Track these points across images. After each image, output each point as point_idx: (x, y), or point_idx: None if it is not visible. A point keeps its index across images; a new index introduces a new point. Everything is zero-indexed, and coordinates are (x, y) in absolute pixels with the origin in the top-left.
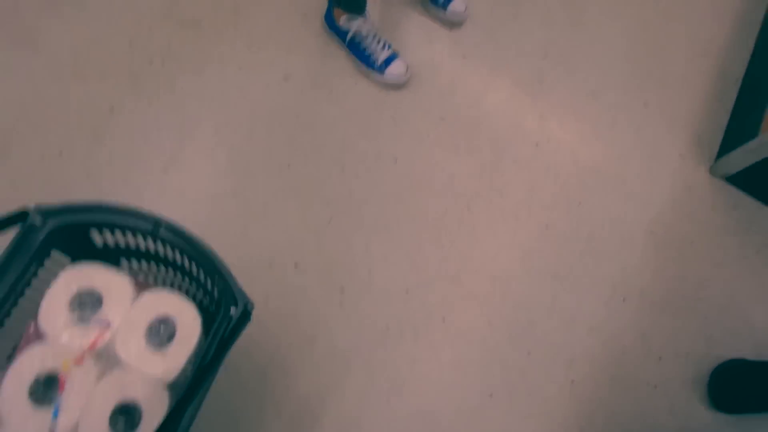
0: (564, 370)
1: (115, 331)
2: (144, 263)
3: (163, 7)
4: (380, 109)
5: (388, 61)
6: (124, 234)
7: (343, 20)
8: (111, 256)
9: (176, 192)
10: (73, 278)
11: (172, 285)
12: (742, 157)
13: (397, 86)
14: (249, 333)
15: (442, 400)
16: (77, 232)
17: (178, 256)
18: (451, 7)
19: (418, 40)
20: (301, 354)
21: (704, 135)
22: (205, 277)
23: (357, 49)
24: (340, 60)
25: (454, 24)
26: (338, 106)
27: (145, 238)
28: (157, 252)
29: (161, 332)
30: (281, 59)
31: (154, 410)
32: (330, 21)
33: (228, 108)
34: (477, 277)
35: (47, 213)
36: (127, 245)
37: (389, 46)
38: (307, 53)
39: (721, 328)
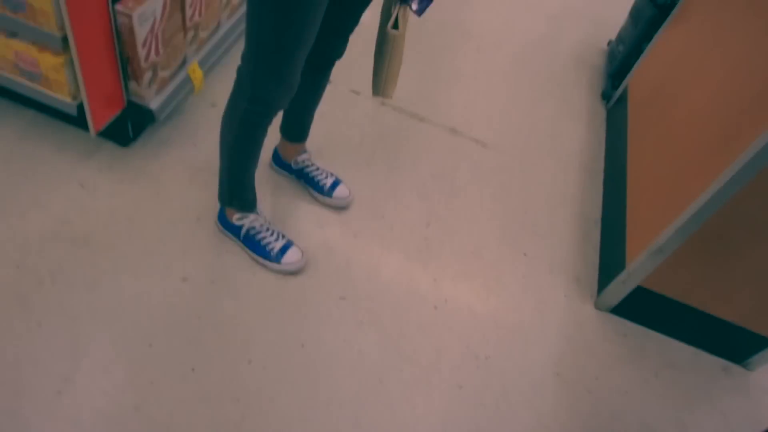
0: None
1: None
2: None
3: (53, 227)
4: (281, 297)
5: (283, 250)
6: None
7: (235, 218)
8: None
9: (71, 417)
10: None
11: None
12: (617, 289)
13: (295, 273)
14: None
15: None
16: None
17: None
18: (336, 192)
19: (309, 226)
20: None
21: (581, 274)
22: None
23: (252, 243)
24: (237, 255)
25: (340, 208)
26: (239, 300)
27: None
28: None
29: None
30: (178, 262)
31: None
32: (223, 220)
33: (125, 319)
34: None
35: None
36: None
37: (283, 236)
38: (203, 252)
39: None
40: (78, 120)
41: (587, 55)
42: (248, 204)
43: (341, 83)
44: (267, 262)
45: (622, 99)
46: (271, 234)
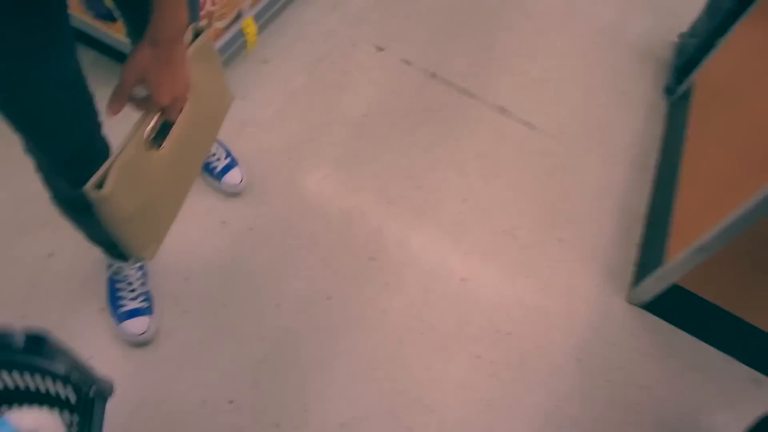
0: None
1: None
2: None
3: None
4: (313, 252)
5: (131, 314)
6: None
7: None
8: None
9: (111, 329)
10: None
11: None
12: (652, 285)
13: (135, 344)
14: None
15: None
16: None
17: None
18: (226, 178)
19: (345, 191)
20: None
21: (616, 267)
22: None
23: (111, 289)
24: (273, 208)
25: (232, 195)
26: (273, 250)
27: None
28: None
29: None
30: (219, 208)
31: None
32: None
33: (164, 252)
34: (412, 410)
35: None
36: None
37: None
38: (243, 202)
39: None
40: None
41: (654, 47)
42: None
43: (393, 53)
44: (110, 316)
45: (686, 95)
46: (132, 291)
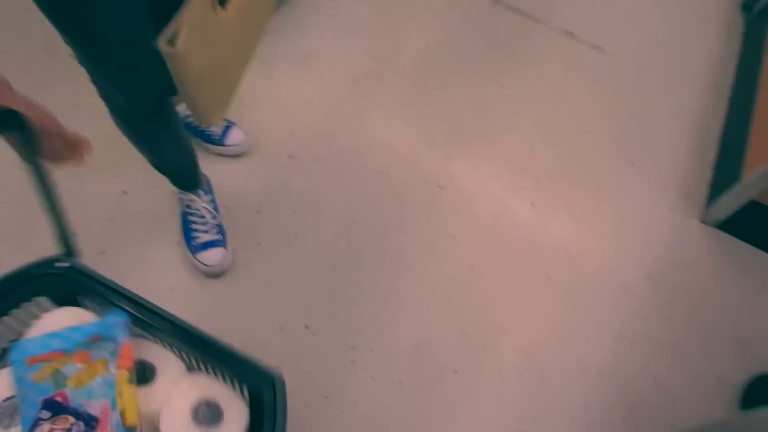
0: (579, 415)
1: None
2: None
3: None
4: (383, 184)
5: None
6: None
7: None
8: None
9: (186, 262)
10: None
11: None
12: (728, 202)
13: (212, 275)
14: None
15: None
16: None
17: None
18: (229, 139)
19: (405, 125)
20: (315, 413)
21: (691, 188)
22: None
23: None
24: (341, 142)
25: (237, 155)
26: (342, 182)
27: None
28: None
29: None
30: (287, 142)
31: None
32: None
33: (236, 187)
34: (485, 332)
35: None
36: None
37: (218, 231)
38: (310, 135)
39: (732, 367)
40: None
41: None
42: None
43: None
44: (186, 248)
45: (765, 11)
46: (204, 224)
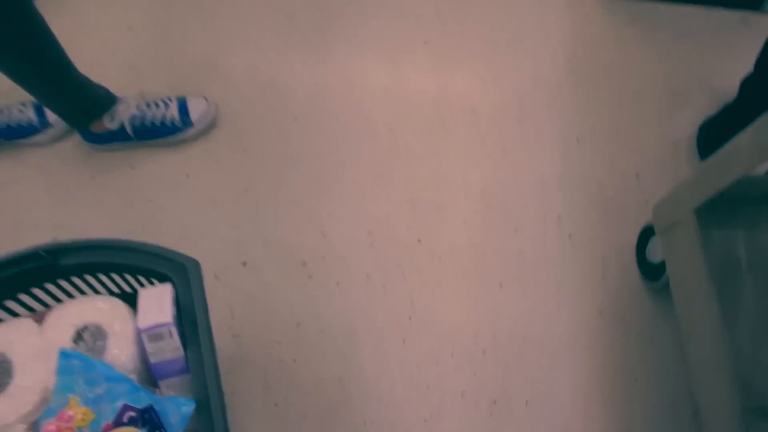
0: (556, 228)
1: None
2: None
3: None
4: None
5: (183, 110)
6: None
7: (108, 123)
8: None
9: None
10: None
11: None
12: None
13: (210, 124)
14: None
15: (457, 312)
16: None
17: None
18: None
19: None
20: (293, 345)
21: None
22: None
23: (147, 131)
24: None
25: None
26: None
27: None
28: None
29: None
30: None
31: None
32: (93, 137)
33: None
34: (432, 190)
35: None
36: None
37: (170, 99)
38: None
39: (679, 125)
40: None
41: None
42: (105, 102)
43: None
44: (181, 134)
45: None
46: (158, 107)
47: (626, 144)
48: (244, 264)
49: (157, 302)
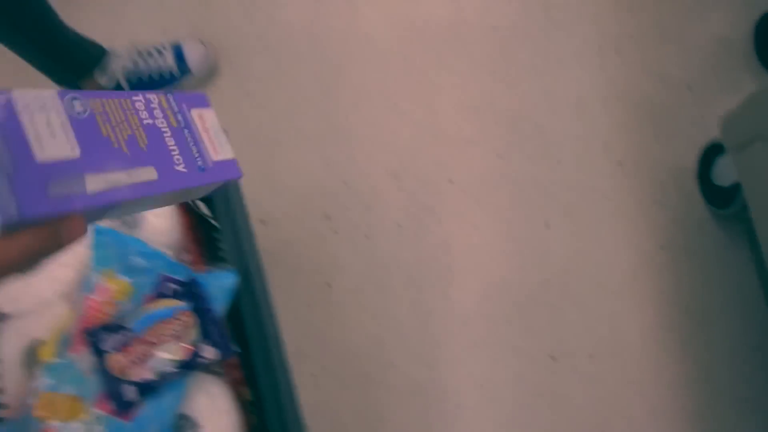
0: (603, 155)
1: None
2: None
3: None
4: None
5: (179, 57)
6: None
7: (101, 81)
8: None
9: None
10: None
11: None
12: None
13: (210, 70)
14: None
15: (501, 258)
16: None
17: None
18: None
19: None
20: (326, 307)
21: None
22: None
23: (143, 85)
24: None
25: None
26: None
27: None
28: None
29: None
30: None
31: None
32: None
33: None
34: (460, 122)
35: None
36: None
37: (164, 47)
38: None
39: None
40: None
41: None
42: (94, 55)
43: None
44: (178, 82)
45: None
46: (154, 55)
47: (673, 50)
48: (263, 222)
49: None
